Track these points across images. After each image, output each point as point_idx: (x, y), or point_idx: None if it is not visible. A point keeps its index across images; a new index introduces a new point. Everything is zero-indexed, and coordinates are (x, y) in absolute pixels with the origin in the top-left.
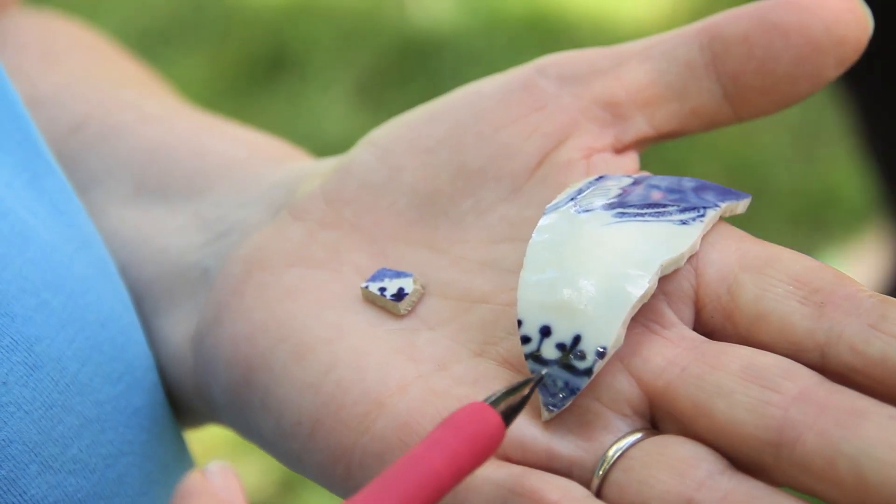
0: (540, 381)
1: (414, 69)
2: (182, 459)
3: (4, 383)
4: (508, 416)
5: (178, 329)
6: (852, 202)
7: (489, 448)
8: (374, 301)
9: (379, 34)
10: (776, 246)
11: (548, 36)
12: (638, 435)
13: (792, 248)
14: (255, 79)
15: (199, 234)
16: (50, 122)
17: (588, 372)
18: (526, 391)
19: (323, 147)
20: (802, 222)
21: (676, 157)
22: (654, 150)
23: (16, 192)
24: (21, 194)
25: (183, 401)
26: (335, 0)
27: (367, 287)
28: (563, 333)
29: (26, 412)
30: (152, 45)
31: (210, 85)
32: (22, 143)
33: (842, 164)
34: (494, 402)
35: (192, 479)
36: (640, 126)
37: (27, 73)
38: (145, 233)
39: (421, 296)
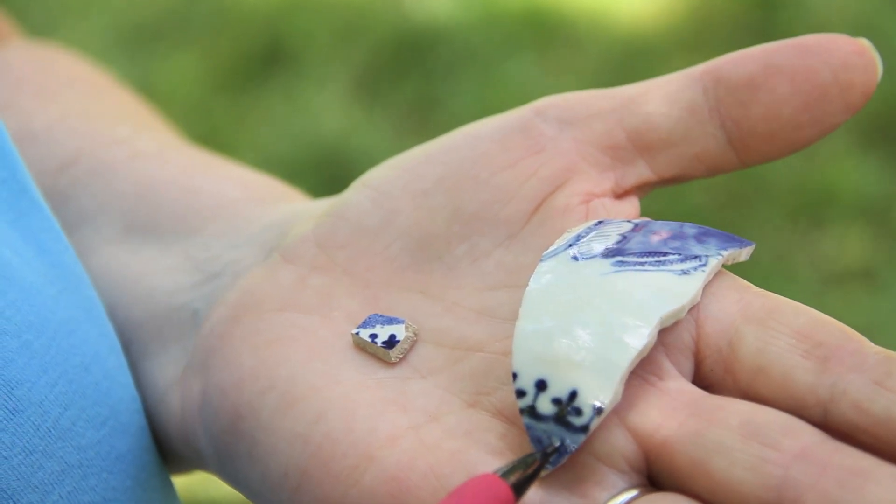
0: (554, 453)
1: (410, 65)
2: None
3: None
4: (519, 488)
5: (166, 373)
6: (851, 198)
7: None
8: (365, 348)
9: (375, 29)
10: (780, 297)
11: (544, 31)
12: (634, 492)
13: (791, 245)
14: (249, 74)
15: (189, 276)
16: (42, 157)
17: (585, 429)
18: (537, 464)
19: (318, 142)
20: (801, 219)
21: None
22: None
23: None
24: (4, 233)
25: (170, 446)
26: None
27: (357, 334)
28: (559, 388)
29: (5, 458)
30: (146, 40)
31: (204, 80)
32: (7, 180)
33: (841, 161)
34: (505, 475)
35: None
36: (642, 171)
37: (21, 108)
38: (134, 273)
39: (413, 343)
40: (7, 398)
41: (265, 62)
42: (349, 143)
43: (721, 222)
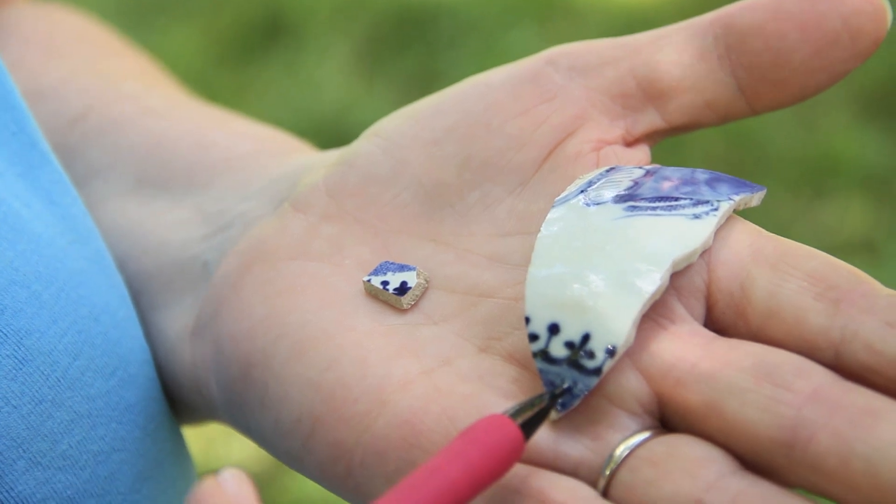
0: (562, 394)
1: (410, 37)
2: (178, 457)
3: None
4: (528, 428)
5: (177, 323)
6: (853, 170)
7: (508, 461)
8: (377, 295)
9: (376, 1)
10: (791, 241)
11: (545, 3)
12: (646, 434)
13: (793, 216)
14: (250, 47)
15: (200, 228)
16: (51, 114)
17: (597, 371)
18: (546, 404)
19: (319, 115)
20: (803, 190)
21: None
22: None
23: (8, 184)
24: (14, 186)
25: (181, 397)
26: None
27: (369, 281)
28: (571, 331)
29: (14, 407)
30: (147, 13)
31: (205, 53)
32: (17, 134)
33: (842, 132)
34: (514, 415)
35: (205, 486)
36: (652, 118)
37: (29, 66)
38: (145, 226)
39: (425, 290)
40: (16, 347)
41: (266, 35)
42: (350, 116)
43: None
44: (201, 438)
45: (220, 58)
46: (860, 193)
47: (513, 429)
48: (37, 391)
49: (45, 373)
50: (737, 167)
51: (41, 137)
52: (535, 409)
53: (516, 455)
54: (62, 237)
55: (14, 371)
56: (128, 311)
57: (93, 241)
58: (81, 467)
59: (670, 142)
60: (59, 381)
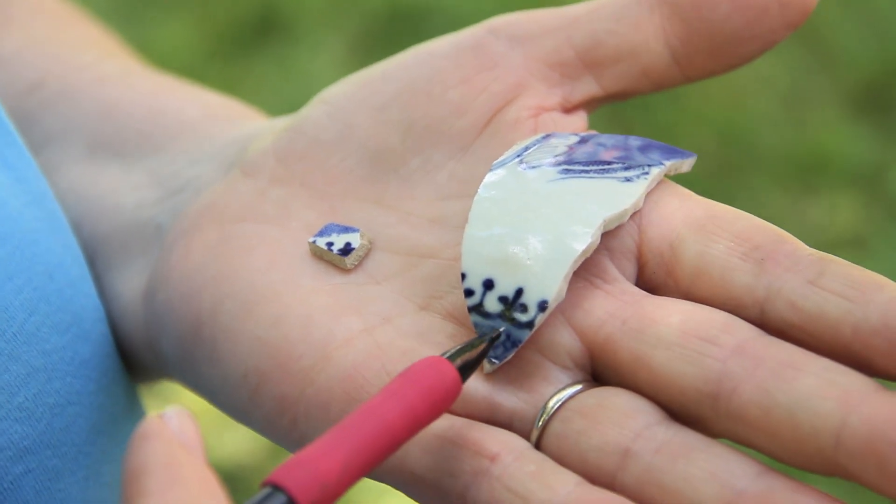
0: (497, 338)
1: (403, 33)
2: (132, 412)
3: None
4: (465, 370)
5: (131, 284)
6: (842, 166)
7: (445, 402)
8: (322, 256)
9: None
10: (719, 204)
11: (534, 2)
12: (578, 387)
13: (782, 212)
14: (243, 42)
15: (152, 191)
16: (8, 81)
17: (530, 325)
18: (482, 347)
19: None
20: (792, 186)
21: (666, 122)
22: (642, 115)
23: None
24: None
25: (135, 356)
26: None
27: (314, 242)
28: (505, 287)
29: None
30: (140, 6)
31: (197, 48)
32: None
33: (831, 129)
34: (451, 357)
35: (149, 423)
36: (589, 86)
37: None
38: (100, 190)
39: (368, 251)
40: None
41: (259, 30)
42: None
43: (712, 190)
44: None
45: (212, 53)
46: (849, 190)
47: (450, 370)
48: None
49: (2, 328)
50: (726, 163)
51: None
52: (473, 352)
53: (453, 395)
54: (16, 198)
55: None
56: (81, 271)
57: (47, 203)
58: (37, 419)
59: (660, 136)
60: (16, 335)
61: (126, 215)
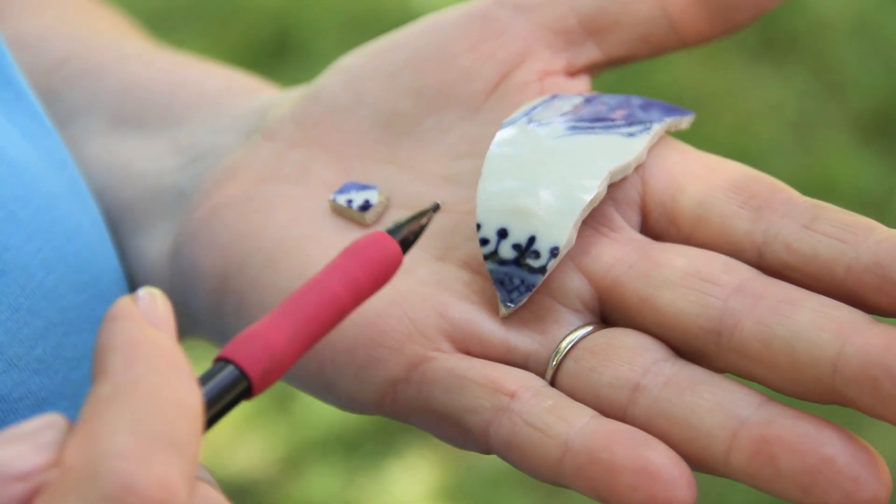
0: (436, 210)
1: None
2: None
3: None
4: (405, 244)
5: (155, 247)
6: (850, 192)
7: (388, 273)
8: (342, 213)
9: (382, 21)
10: (717, 157)
11: None
12: (588, 328)
13: None
14: (258, 65)
15: (174, 159)
16: (34, 60)
17: (542, 270)
18: (422, 222)
19: None
20: None
21: None
22: None
23: None
24: None
25: None
26: None
27: (335, 199)
28: (518, 235)
29: None
30: (155, 29)
31: None
32: None
33: (839, 155)
34: (393, 232)
35: (118, 304)
36: (592, 52)
37: (12, 18)
38: (123, 159)
39: (385, 207)
40: None
41: (273, 54)
42: None
43: None
44: (208, 446)
45: None
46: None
47: (391, 243)
48: (14, 300)
49: (22, 284)
50: None
51: (18, 76)
52: (413, 226)
53: (395, 267)
54: (36, 165)
55: None
56: (100, 234)
57: (67, 170)
58: (55, 371)
59: None
60: (35, 291)
61: (149, 182)
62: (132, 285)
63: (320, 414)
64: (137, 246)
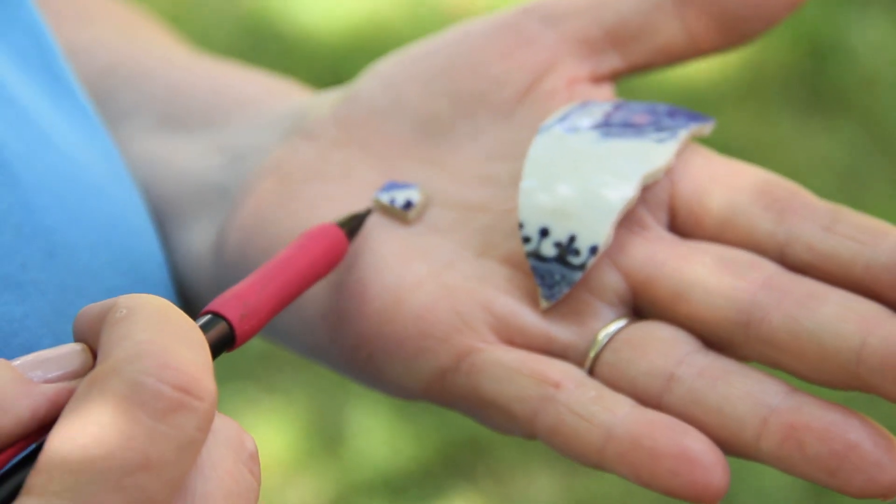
0: (368, 214)
1: None
2: None
3: (24, 265)
4: (351, 232)
5: (199, 239)
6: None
7: (337, 257)
8: (386, 211)
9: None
10: (741, 162)
11: None
12: (623, 321)
13: None
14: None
15: (217, 158)
16: (85, 65)
17: (582, 267)
18: (363, 218)
19: None
20: None
21: None
22: None
23: (41, 109)
24: (44, 110)
25: (199, 305)
26: (391, 37)
27: (378, 198)
28: (559, 234)
29: (42, 292)
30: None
31: None
32: (46, 69)
33: (886, 207)
34: (342, 224)
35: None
36: (614, 60)
37: (64, 29)
38: (168, 157)
39: (426, 206)
40: (45, 242)
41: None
42: None
43: None
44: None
45: None
46: None
47: (340, 233)
48: (62, 279)
49: (69, 264)
50: None
51: (67, 73)
52: (356, 221)
53: (342, 253)
54: (84, 154)
55: (43, 262)
56: (143, 223)
57: (112, 161)
58: None
59: None
60: (81, 272)
61: (192, 178)
62: (175, 274)
63: (369, 458)
64: (182, 239)
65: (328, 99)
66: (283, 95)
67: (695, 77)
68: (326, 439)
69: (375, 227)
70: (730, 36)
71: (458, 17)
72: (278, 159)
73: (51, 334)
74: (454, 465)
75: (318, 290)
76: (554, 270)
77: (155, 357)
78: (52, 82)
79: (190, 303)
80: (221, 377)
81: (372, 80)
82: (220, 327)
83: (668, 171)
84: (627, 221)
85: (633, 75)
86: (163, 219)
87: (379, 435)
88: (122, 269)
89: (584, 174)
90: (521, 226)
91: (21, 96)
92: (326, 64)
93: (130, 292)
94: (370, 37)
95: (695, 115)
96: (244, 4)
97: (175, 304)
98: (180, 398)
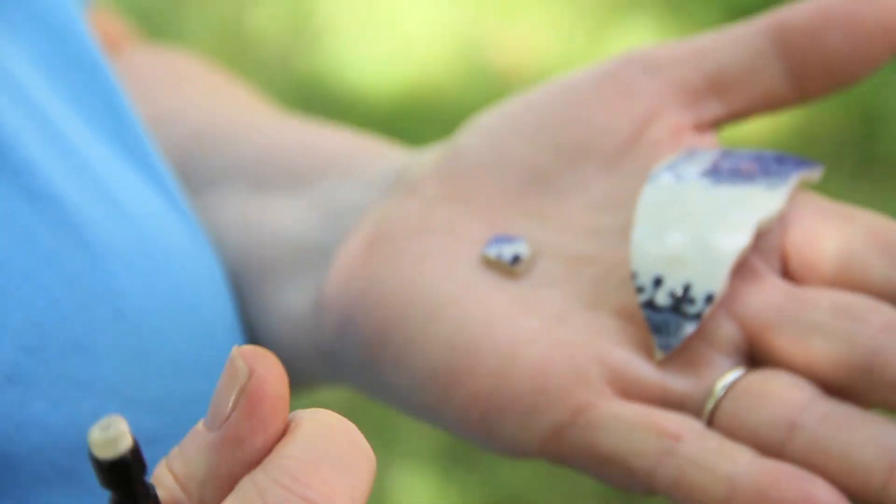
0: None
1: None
2: None
3: (93, 327)
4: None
5: (298, 301)
6: None
7: None
8: (493, 266)
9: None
10: (850, 206)
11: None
12: (740, 370)
13: None
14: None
15: (313, 218)
16: (172, 131)
17: (698, 316)
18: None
19: None
20: None
21: None
22: None
23: (113, 172)
24: (120, 174)
25: (301, 366)
26: (442, 99)
27: (486, 253)
28: (674, 283)
29: (110, 355)
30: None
31: None
32: (120, 134)
33: None
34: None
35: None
36: (716, 108)
37: (151, 97)
38: (262, 220)
39: (534, 259)
40: (112, 305)
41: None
42: None
43: None
44: None
45: None
46: None
47: None
48: (129, 343)
49: (138, 328)
50: None
51: (145, 140)
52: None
53: None
54: (158, 218)
55: (110, 325)
56: (216, 286)
57: (188, 226)
58: (166, 412)
59: None
60: (149, 336)
61: (290, 240)
62: (270, 336)
63: None
64: (278, 299)
65: (430, 155)
66: (375, 153)
67: (746, 140)
68: (371, 500)
69: (483, 283)
70: (833, 81)
71: (509, 77)
72: (380, 216)
73: (118, 399)
74: None
75: (429, 349)
76: (669, 320)
77: (290, 472)
78: (126, 148)
79: (286, 364)
80: None
81: (474, 134)
82: None
83: (780, 218)
84: (741, 269)
85: (737, 122)
86: (258, 282)
87: (422, 497)
88: (190, 332)
89: (696, 222)
90: (634, 275)
91: (96, 162)
92: (378, 126)
93: (199, 356)
94: (421, 98)
95: (802, 162)
96: (296, 67)
97: None
98: None
